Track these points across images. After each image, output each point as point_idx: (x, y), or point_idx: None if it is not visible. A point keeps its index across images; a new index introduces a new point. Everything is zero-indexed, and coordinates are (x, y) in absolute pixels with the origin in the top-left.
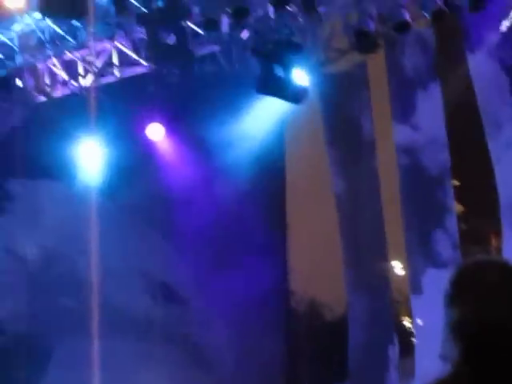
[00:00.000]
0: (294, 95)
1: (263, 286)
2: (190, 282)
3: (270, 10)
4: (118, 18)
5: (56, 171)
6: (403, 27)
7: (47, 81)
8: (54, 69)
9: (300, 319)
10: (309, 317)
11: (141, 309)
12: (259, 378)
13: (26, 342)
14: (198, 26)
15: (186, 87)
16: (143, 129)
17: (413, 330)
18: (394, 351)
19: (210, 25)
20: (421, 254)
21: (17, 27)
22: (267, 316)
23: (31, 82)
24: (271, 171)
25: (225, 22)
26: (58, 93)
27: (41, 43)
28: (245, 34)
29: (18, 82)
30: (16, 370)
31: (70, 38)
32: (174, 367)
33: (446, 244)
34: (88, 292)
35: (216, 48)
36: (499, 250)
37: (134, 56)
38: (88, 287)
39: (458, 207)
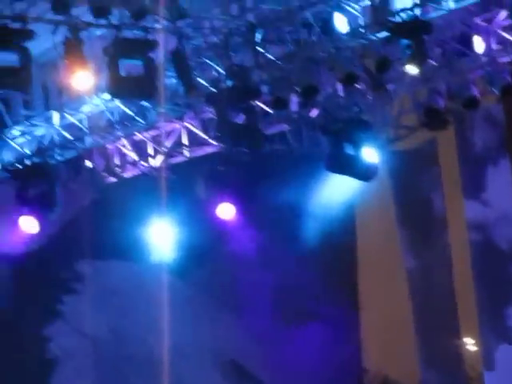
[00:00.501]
0: (363, 173)
1: (335, 363)
2: (261, 359)
3: (339, 87)
4: (187, 99)
5: (126, 251)
6: (472, 103)
7: (117, 161)
8: (124, 149)
9: None
10: None
11: None
12: None
13: None
14: (267, 105)
15: (255, 166)
16: (214, 208)
17: None
18: None
19: (279, 104)
20: (493, 330)
21: (86, 108)
22: None
23: (101, 163)
24: (342, 248)
25: (294, 101)
26: (128, 173)
27: (110, 124)
28: (314, 113)
29: (88, 163)
30: None
31: (139, 119)
32: None
33: None
34: (159, 372)
35: (285, 127)
36: None
37: (204, 136)
38: (159, 367)
39: None
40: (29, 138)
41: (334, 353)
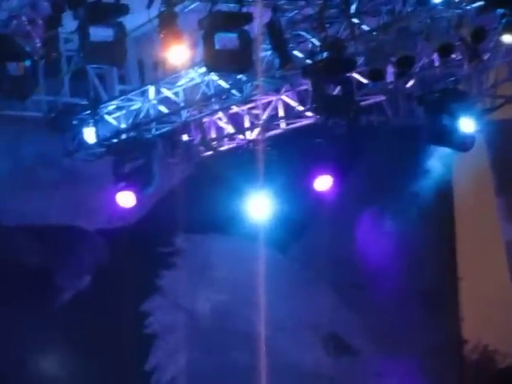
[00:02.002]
0: (461, 143)
1: (435, 333)
2: (360, 331)
3: (435, 58)
4: (283, 71)
5: (224, 225)
6: None
7: (213, 135)
8: (220, 123)
9: (473, 367)
10: (482, 365)
11: (311, 361)
12: None
13: None
14: (363, 77)
15: (352, 138)
16: (311, 181)
17: None
18: None
19: (375, 75)
20: None
21: (181, 82)
22: (440, 364)
23: (197, 137)
24: (440, 219)
25: (390, 72)
26: (225, 147)
27: (206, 97)
28: (410, 83)
29: (184, 137)
30: None
31: (235, 92)
32: None
33: None
34: (259, 346)
35: (381, 98)
36: None
37: (300, 108)
38: (258, 341)
39: None
40: (125, 112)
41: (433, 323)
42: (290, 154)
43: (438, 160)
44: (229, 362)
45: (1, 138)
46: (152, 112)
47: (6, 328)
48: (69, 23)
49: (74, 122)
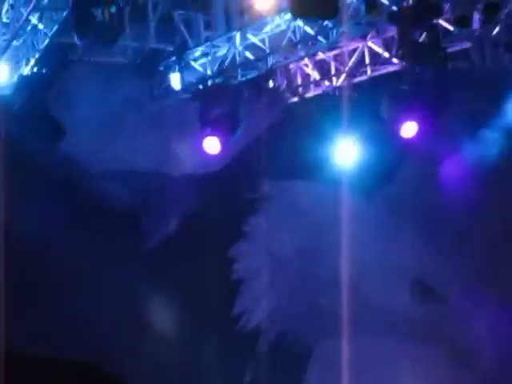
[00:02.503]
0: None
1: None
2: (447, 278)
3: None
4: (369, 17)
5: (310, 171)
6: None
7: (299, 81)
8: (306, 69)
9: None
10: None
11: (398, 307)
12: None
13: (286, 343)
14: (449, 23)
15: (438, 84)
16: (397, 127)
17: None
18: None
19: (462, 21)
20: None
21: (268, 28)
22: None
23: (283, 83)
24: None
25: (476, 18)
26: (310, 93)
27: (292, 44)
28: (496, 30)
29: (270, 83)
30: (275, 371)
31: (321, 38)
32: (432, 367)
33: None
34: (345, 292)
35: (467, 44)
36: None
37: (386, 54)
38: (345, 287)
39: None
40: (210, 58)
41: None
42: (376, 101)
43: None
44: (314, 307)
45: (88, 84)
46: (238, 58)
47: (95, 274)
48: None
49: (160, 68)
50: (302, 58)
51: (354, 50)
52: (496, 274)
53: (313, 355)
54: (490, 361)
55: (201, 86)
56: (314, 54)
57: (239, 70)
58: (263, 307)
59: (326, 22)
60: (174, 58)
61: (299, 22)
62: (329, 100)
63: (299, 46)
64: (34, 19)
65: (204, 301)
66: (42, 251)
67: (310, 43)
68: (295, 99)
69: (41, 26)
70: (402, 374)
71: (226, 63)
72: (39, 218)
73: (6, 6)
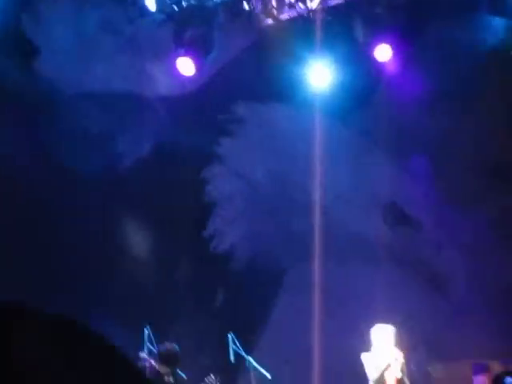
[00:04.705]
0: None
1: (501, 205)
2: (421, 202)
3: None
4: None
5: (284, 93)
6: None
7: (274, 4)
8: None
9: None
10: None
11: (371, 231)
12: (494, 301)
13: (258, 265)
14: None
15: (414, 7)
16: (371, 50)
17: None
18: None
19: None
20: None
21: None
22: (499, 237)
23: (258, 5)
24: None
25: None
26: (285, 15)
27: None
28: None
29: (245, 6)
30: (247, 292)
31: None
32: (406, 290)
33: None
34: (318, 215)
35: None
36: None
37: None
38: (318, 210)
39: None
40: None
41: (496, 193)
42: (351, 24)
43: (498, 31)
44: (287, 231)
45: (63, 5)
46: None
47: (69, 195)
48: None
49: None
50: None
51: None
52: (468, 198)
53: (284, 278)
54: (460, 290)
55: (176, 8)
56: None
57: None
58: (235, 229)
59: None
60: None
61: None
62: (303, 23)
63: None
64: None
65: (177, 222)
66: (16, 173)
67: None
68: (270, 22)
69: None
70: (377, 296)
71: None
72: (13, 140)
73: None
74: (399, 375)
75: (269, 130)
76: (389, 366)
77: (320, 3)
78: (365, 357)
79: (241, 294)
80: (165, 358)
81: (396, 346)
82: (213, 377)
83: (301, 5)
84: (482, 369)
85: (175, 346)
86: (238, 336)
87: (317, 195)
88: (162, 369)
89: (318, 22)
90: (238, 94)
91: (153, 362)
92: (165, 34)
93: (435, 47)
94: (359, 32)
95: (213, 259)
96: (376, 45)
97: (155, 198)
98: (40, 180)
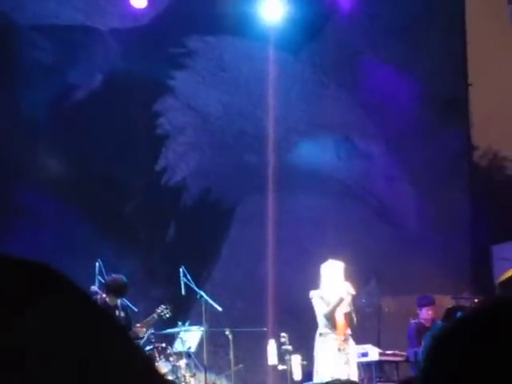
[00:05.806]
0: None
1: (446, 142)
2: (374, 138)
3: None
4: None
5: (238, 27)
6: None
7: None
8: None
9: (482, 174)
10: (491, 171)
11: (323, 164)
12: (444, 232)
13: (211, 198)
14: None
15: None
16: None
17: None
18: None
19: None
20: None
21: None
22: (450, 171)
23: None
24: (451, 27)
25: None
26: None
27: None
28: None
29: None
30: (199, 225)
31: None
32: (359, 223)
33: None
34: (271, 148)
35: None
36: None
37: None
38: (270, 143)
39: None
40: None
41: (443, 129)
42: None
43: None
44: (239, 163)
45: None
46: None
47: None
48: None
49: None
50: None
51: None
52: (420, 132)
53: (236, 211)
54: (415, 219)
55: None
56: None
57: None
58: (188, 162)
59: None
60: None
61: None
62: None
63: None
64: None
65: (130, 155)
66: None
67: None
68: None
69: None
70: (328, 230)
71: None
72: None
73: None
74: (348, 309)
75: (221, 63)
76: (341, 300)
77: None
78: (314, 293)
79: (193, 228)
80: (112, 289)
81: (347, 280)
82: (164, 306)
83: None
84: (427, 301)
85: (122, 277)
86: (190, 269)
87: (269, 128)
88: (111, 300)
89: None
90: (191, 27)
91: (103, 295)
92: None
93: None
94: None
95: (164, 192)
96: None
97: (106, 131)
98: None
